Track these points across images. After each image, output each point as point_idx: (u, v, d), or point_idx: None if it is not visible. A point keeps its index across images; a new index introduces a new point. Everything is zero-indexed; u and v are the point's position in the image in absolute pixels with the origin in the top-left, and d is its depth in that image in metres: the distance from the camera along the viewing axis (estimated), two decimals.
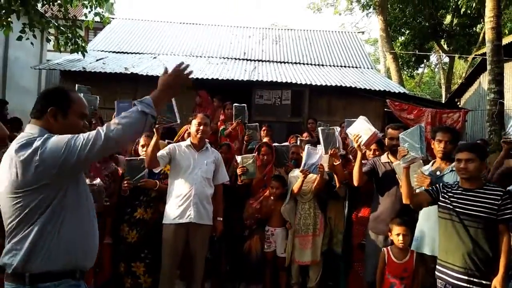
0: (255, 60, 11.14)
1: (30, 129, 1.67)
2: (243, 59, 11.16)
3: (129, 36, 12.10)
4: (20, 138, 1.62)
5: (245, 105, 5.43)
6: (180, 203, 3.46)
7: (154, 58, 10.48)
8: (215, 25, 13.93)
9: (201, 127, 3.58)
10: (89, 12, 8.20)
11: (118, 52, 10.87)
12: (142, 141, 3.80)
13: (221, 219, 3.75)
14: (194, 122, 3.64)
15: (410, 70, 20.64)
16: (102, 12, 8.45)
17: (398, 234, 3.23)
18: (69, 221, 1.62)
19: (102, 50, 10.85)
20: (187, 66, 1.80)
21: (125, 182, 3.54)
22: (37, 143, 1.54)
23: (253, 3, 63.56)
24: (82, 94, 4.72)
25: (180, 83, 1.77)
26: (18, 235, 1.57)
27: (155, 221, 3.65)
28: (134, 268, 3.61)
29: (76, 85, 4.79)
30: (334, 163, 3.72)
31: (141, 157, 3.70)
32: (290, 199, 4.02)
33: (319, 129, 3.99)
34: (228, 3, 65.43)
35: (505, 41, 10.20)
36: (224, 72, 9.36)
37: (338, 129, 4.12)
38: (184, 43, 11.98)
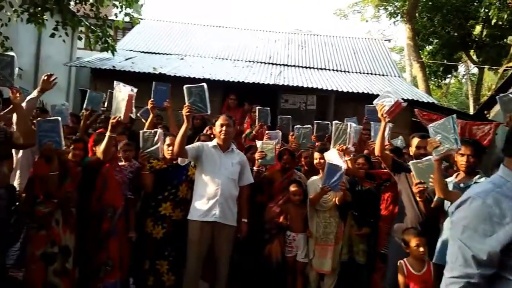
0: (280, 65, 11.12)
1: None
2: (269, 63, 11.16)
3: (157, 37, 12.27)
4: None
5: (269, 108, 5.45)
6: (205, 201, 3.48)
7: (181, 59, 10.59)
8: (241, 28, 14.03)
9: (224, 128, 3.57)
10: (120, 12, 8.41)
11: (146, 52, 11.04)
12: (168, 140, 3.83)
13: (246, 220, 3.73)
14: (217, 124, 3.67)
15: (437, 80, 20.25)
16: (132, 12, 8.64)
17: (417, 245, 3.12)
18: None
19: (131, 50, 11.03)
20: None
21: (141, 153, 3.70)
22: None
23: (277, 9, 63.65)
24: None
25: None
26: None
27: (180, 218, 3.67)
28: (158, 266, 3.62)
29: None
30: (346, 158, 3.76)
31: (155, 130, 3.83)
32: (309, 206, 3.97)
33: (334, 123, 3.95)
34: (256, 9, 65.80)
35: None
36: (250, 75, 9.37)
37: (353, 125, 4.07)
38: (210, 45, 12.05)
